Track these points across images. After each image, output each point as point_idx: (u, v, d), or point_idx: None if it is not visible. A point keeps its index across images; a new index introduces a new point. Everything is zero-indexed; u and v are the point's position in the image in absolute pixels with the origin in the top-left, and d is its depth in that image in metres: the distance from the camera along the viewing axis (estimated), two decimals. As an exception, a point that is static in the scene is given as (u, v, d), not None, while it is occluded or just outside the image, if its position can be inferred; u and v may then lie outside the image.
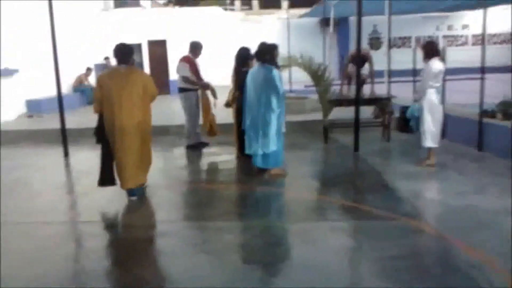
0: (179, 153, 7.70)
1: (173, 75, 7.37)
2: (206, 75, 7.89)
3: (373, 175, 6.02)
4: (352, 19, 18.37)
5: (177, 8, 17.79)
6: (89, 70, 14.61)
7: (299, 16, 17.85)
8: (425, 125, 6.13)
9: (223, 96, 7.20)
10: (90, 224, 4.60)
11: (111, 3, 17.91)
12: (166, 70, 16.70)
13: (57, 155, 7.66)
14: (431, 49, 6.11)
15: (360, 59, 7.59)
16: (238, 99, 6.62)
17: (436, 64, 6.01)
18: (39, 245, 4.09)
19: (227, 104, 6.99)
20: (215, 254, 3.81)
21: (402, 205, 4.81)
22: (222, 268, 3.57)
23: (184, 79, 7.54)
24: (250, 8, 19.88)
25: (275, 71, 5.80)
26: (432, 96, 6.07)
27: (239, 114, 6.55)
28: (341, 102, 7.87)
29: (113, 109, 4.98)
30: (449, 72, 6.42)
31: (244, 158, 6.63)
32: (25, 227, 4.55)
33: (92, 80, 14.88)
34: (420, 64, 7.70)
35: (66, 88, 10.79)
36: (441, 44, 17.89)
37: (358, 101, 7.00)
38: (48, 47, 7.59)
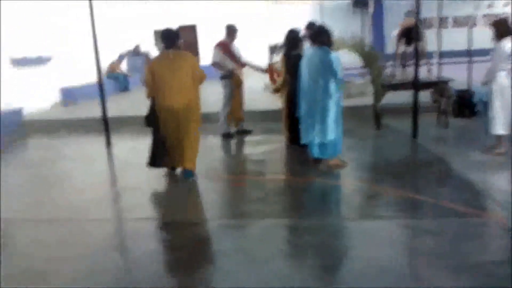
0: (223, 143, 7.32)
1: (204, 61, 7.01)
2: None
3: (440, 165, 5.52)
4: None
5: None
6: (121, 57, 14.38)
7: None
8: (494, 110, 5.65)
9: (255, 80, 6.78)
10: (142, 222, 4.26)
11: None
12: (196, 56, 16.31)
13: (99, 145, 7.37)
14: (503, 28, 5.57)
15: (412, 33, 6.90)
16: (288, 84, 6.23)
17: (509, 44, 5.49)
18: (85, 244, 3.84)
19: (276, 90, 6.59)
20: (286, 256, 3.48)
21: (483, 200, 4.37)
22: (296, 273, 3.22)
23: (214, 64, 7.20)
24: (282, -10, 19.21)
25: (333, 54, 5.36)
26: (503, 79, 5.57)
27: (290, 100, 6.17)
28: (397, 86, 7.35)
29: (165, 92, 5.10)
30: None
31: (294, 147, 6.26)
32: (69, 225, 4.27)
33: (123, 67, 14.67)
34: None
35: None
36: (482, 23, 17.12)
37: (417, 84, 6.50)
38: (81, 34, 7.27)
